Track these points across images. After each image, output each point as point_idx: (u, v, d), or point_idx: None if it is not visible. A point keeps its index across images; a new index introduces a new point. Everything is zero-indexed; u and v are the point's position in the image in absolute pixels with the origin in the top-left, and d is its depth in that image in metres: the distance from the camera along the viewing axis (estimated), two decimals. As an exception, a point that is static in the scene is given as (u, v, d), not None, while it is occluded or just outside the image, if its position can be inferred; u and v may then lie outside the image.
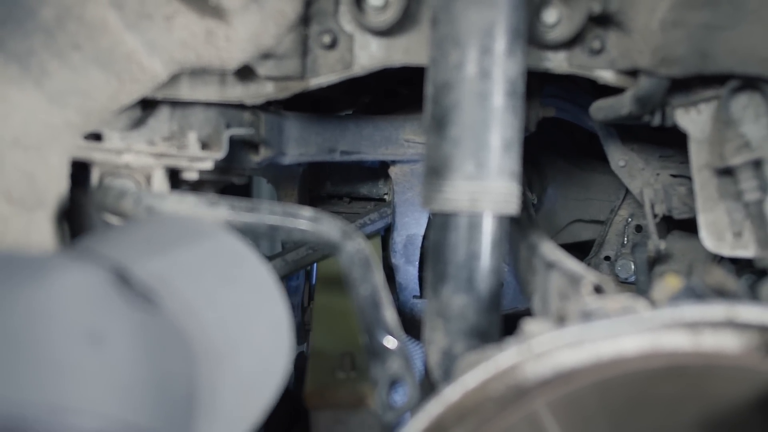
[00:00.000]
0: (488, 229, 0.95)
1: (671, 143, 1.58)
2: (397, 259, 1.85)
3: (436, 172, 0.96)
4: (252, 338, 0.82)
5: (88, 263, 0.69)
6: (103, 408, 0.60)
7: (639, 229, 1.84)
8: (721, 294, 0.76)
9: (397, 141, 1.62)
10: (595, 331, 0.66)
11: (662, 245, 1.52)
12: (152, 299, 0.70)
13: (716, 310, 0.65)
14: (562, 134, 2.06)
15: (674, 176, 1.59)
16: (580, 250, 1.98)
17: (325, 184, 1.98)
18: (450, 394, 0.64)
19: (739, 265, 1.51)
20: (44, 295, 0.62)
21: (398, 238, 1.84)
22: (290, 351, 0.87)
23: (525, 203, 1.43)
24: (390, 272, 1.88)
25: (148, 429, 0.63)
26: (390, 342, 0.96)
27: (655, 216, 1.56)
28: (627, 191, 1.76)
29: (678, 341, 0.66)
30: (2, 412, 0.56)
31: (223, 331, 0.76)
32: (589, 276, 0.89)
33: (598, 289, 0.85)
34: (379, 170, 1.95)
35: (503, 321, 0.97)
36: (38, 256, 0.69)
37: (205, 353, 0.72)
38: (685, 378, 0.65)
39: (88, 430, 0.58)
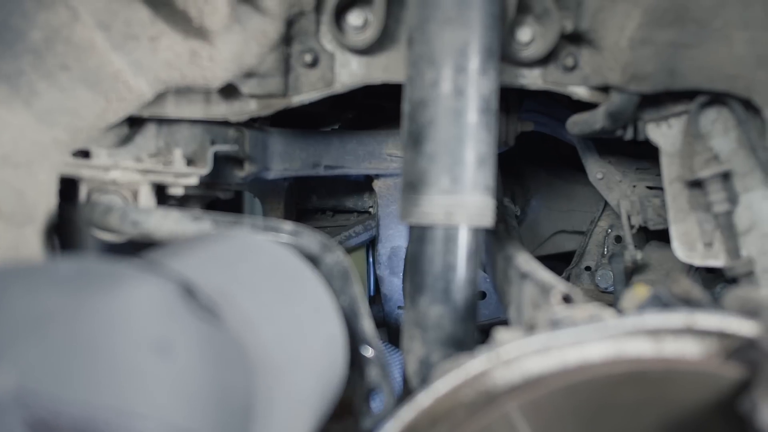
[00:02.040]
0: (464, 241, 0.97)
1: (647, 156, 1.60)
2: (381, 271, 1.86)
3: (413, 186, 0.98)
4: (308, 354, 0.85)
5: (157, 275, 0.71)
6: (168, 415, 0.63)
7: (618, 239, 1.87)
8: (687, 302, 0.78)
9: (380, 155, 1.65)
10: (561, 339, 0.68)
11: (638, 255, 1.55)
12: (215, 312, 0.73)
13: (676, 317, 0.68)
14: (545, 146, 2.09)
15: (650, 188, 1.62)
16: (564, 260, 2.01)
17: (312, 198, 2.00)
18: (422, 400, 0.67)
19: (715, 275, 1.54)
20: (117, 305, 0.65)
21: (383, 250, 1.86)
22: (344, 367, 0.91)
23: (504, 215, 1.45)
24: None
25: None
26: (368, 351, 0.98)
27: (632, 227, 1.59)
28: (606, 203, 1.79)
29: (641, 348, 0.68)
30: (74, 414, 0.58)
31: (280, 346, 0.79)
32: (559, 286, 0.91)
33: (567, 299, 0.87)
34: (364, 184, 1.97)
35: (486, 330, 0.99)
36: (112, 266, 0.71)
37: (262, 367, 0.75)
38: (648, 383, 0.67)
39: None
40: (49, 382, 0.59)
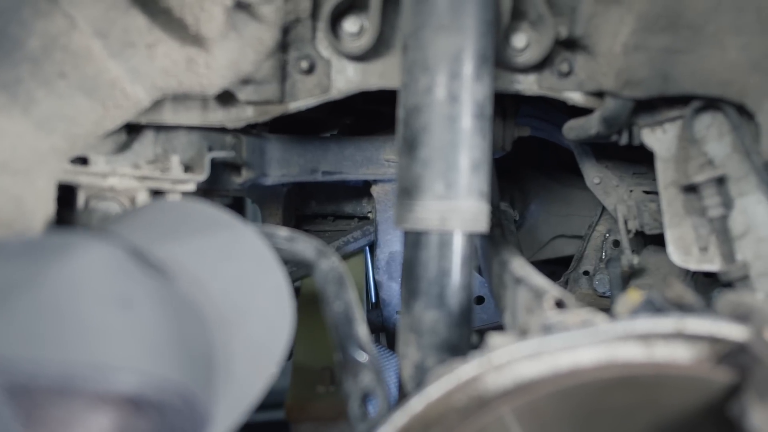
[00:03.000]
0: (458, 246, 0.97)
1: (644, 161, 1.61)
2: (380, 276, 1.87)
3: (407, 192, 0.99)
4: (256, 306, 0.87)
5: (106, 241, 0.75)
6: (140, 364, 0.66)
7: (616, 244, 1.87)
8: (680, 307, 0.78)
9: (377, 161, 1.65)
10: (552, 344, 0.68)
11: (635, 260, 1.55)
12: (165, 273, 0.77)
13: (666, 322, 0.68)
14: (545, 151, 2.10)
15: (647, 192, 1.62)
16: (564, 264, 2.01)
17: (311, 204, 2.00)
18: (414, 405, 0.67)
19: (713, 279, 1.54)
20: (74, 268, 0.69)
21: (381, 255, 1.86)
22: (293, 315, 0.91)
23: (500, 219, 1.46)
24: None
25: (180, 383, 0.69)
26: (362, 356, 0.98)
27: (628, 231, 1.59)
28: (604, 208, 1.79)
29: (632, 352, 0.69)
30: (54, 373, 0.61)
31: (229, 301, 0.82)
32: (552, 291, 0.92)
33: (559, 304, 0.88)
34: (363, 189, 1.97)
35: (484, 335, 0.99)
36: (60, 237, 0.75)
37: (216, 321, 0.78)
38: (639, 387, 0.67)
39: (129, 384, 0.64)
40: (21, 348, 0.62)
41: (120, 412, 0.64)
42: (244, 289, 0.87)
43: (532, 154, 2.06)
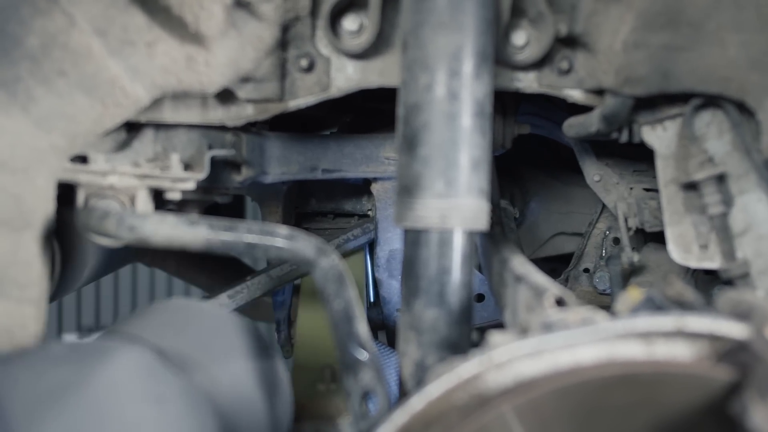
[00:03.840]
0: (458, 244, 0.97)
1: (645, 158, 1.61)
2: (380, 274, 1.86)
3: (407, 190, 0.99)
4: (261, 398, 0.94)
5: (134, 344, 0.83)
6: None
7: (617, 241, 1.87)
8: (680, 304, 0.79)
9: (377, 159, 1.65)
10: (553, 342, 0.68)
11: (635, 257, 1.55)
12: (183, 369, 0.84)
13: (667, 320, 0.68)
14: (544, 149, 2.10)
15: (647, 190, 1.62)
16: (564, 262, 2.01)
17: (310, 202, 2.00)
18: (415, 404, 0.67)
19: (713, 276, 1.54)
20: (113, 372, 0.77)
21: (381, 253, 1.86)
22: (291, 407, 1.02)
23: (500, 217, 1.46)
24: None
25: None
26: (362, 355, 0.99)
27: (629, 229, 1.59)
28: (604, 205, 1.79)
29: (632, 350, 0.69)
30: None
31: (238, 395, 0.90)
32: (552, 289, 0.92)
33: (560, 302, 0.88)
34: (363, 187, 1.97)
35: (484, 333, 1.00)
36: (95, 343, 0.85)
37: (227, 412, 0.85)
38: (639, 385, 0.67)
39: None
40: None
41: None
42: (250, 383, 0.94)
43: (532, 151, 2.06)
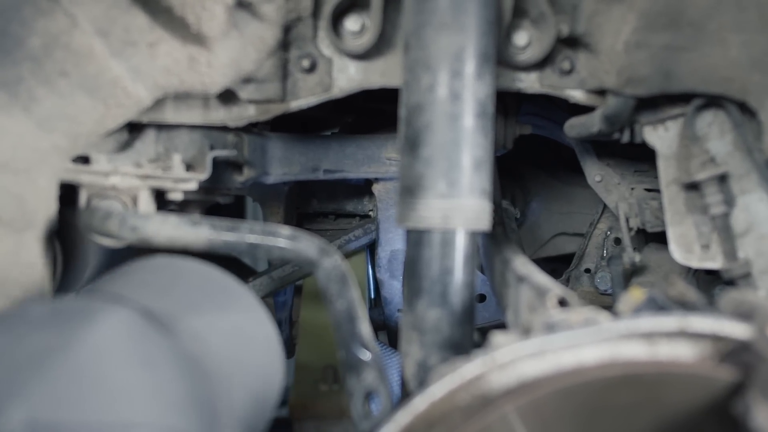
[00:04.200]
0: (461, 245, 0.97)
1: (646, 158, 1.60)
2: (381, 274, 1.86)
3: (409, 190, 0.99)
4: (250, 357, 0.91)
5: (120, 305, 0.79)
6: (162, 420, 0.70)
7: (618, 241, 1.87)
8: (682, 305, 0.78)
9: (379, 159, 1.65)
10: (556, 342, 0.68)
11: (637, 257, 1.55)
12: (169, 329, 0.80)
13: (670, 320, 0.68)
14: (545, 149, 2.09)
15: (648, 190, 1.62)
16: (565, 262, 2.01)
17: (312, 202, 2.00)
18: (418, 404, 0.67)
19: (714, 276, 1.54)
20: (99, 333, 0.73)
21: (383, 254, 1.86)
22: (284, 365, 0.95)
23: (502, 218, 1.46)
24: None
25: None
26: (365, 355, 0.99)
27: (630, 229, 1.59)
28: (605, 205, 1.79)
29: (635, 351, 0.69)
30: None
31: (226, 353, 0.86)
32: (555, 289, 0.92)
33: (562, 302, 0.88)
34: (364, 188, 1.97)
35: (486, 333, 1.00)
36: (79, 303, 0.80)
37: (216, 373, 0.82)
38: (642, 386, 0.67)
39: None
40: (56, 411, 0.66)
41: None
42: (238, 341, 0.90)
43: (533, 151, 2.06)
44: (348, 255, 1.88)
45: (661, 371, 0.67)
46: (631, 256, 1.54)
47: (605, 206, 1.82)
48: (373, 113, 1.89)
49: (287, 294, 1.93)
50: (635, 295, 0.81)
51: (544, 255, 2.11)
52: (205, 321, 0.87)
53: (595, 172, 1.67)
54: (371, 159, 1.65)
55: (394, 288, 1.86)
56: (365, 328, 1.00)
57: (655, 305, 0.79)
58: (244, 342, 0.91)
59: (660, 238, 1.64)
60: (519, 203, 2.11)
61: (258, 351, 0.92)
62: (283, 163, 1.53)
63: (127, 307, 0.78)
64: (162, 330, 0.79)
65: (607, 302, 1.80)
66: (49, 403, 0.66)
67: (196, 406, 0.75)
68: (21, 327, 0.75)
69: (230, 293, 0.97)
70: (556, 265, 2.09)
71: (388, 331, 1.92)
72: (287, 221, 1.87)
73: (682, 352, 0.69)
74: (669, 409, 0.68)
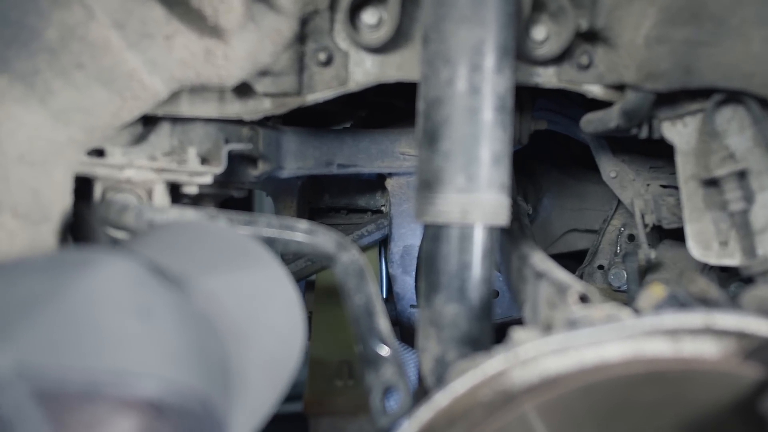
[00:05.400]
0: (479, 240, 0.97)
1: (661, 154, 1.60)
2: (394, 270, 1.86)
3: (428, 185, 0.98)
4: (269, 319, 0.89)
5: (124, 256, 0.77)
6: (160, 371, 0.68)
7: (631, 238, 1.87)
8: (704, 302, 0.78)
9: (393, 154, 1.64)
10: (579, 339, 0.68)
11: (652, 254, 1.54)
12: (180, 286, 0.78)
13: (695, 317, 0.67)
14: (557, 145, 2.09)
15: (664, 186, 1.61)
16: (576, 259, 2.00)
17: (324, 197, 2.00)
18: (440, 400, 0.67)
19: (729, 273, 1.53)
20: (95, 281, 0.71)
21: (395, 249, 1.86)
22: (304, 329, 0.93)
23: (518, 213, 1.45)
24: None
25: (200, 390, 0.71)
26: (383, 350, 0.98)
27: (645, 226, 1.59)
28: (619, 202, 1.78)
29: (659, 348, 0.68)
30: (79, 379, 0.64)
31: (242, 314, 0.84)
32: (575, 286, 0.91)
33: (584, 299, 0.87)
34: (376, 182, 1.97)
35: (498, 329, 0.99)
36: (80, 253, 0.77)
37: (230, 334, 0.80)
38: (666, 383, 0.67)
39: (150, 389, 0.67)
40: (46, 355, 0.65)
41: (143, 417, 0.66)
42: (256, 303, 0.89)
43: (544, 147, 2.05)
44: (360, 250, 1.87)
45: (685, 368, 0.67)
46: (646, 252, 1.54)
47: (619, 203, 1.81)
48: (384, 108, 1.89)
49: (300, 289, 1.93)
50: (656, 291, 0.81)
51: (555, 252, 2.11)
52: (222, 281, 0.85)
53: (610, 168, 1.66)
54: (385, 154, 1.64)
55: (406, 284, 1.86)
56: (384, 323, 0.99)
57: (677, 302, 0.78)
58: (262, 304, 0.89)
59: (674, 235, 1.64)
60: (531, 199, 2.10)
61: (278, 313, 0.91)
62: (298, 158, 1.53)
63: (129, 258, 0.77)
64: (168, 284, 0.77)
65: (620, 299, 1.79)
66: (38, 346, 0.65)
67: (202, 362, 0.74)
68: (15, 272, 0.73)
69: (250, 254, 0.95)
70: (566, 262, 2.08)
71: (400, 327, 1.92)
72: (299, 216, 1.87)
73: (707, 349, 0.68)
74: (693, 407, 0.67)
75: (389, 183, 1.83)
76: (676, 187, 1.54)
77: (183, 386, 0.69)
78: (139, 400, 0.66)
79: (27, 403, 0.63)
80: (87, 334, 0.68)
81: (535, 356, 0.68)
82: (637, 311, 0.77)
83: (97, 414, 0.65)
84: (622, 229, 1.88)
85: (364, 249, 1.91)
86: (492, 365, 0.67)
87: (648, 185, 1.63)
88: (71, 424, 0.64)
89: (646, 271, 1.63)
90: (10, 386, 0.63)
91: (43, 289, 0.70)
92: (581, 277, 1.91)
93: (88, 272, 0.72)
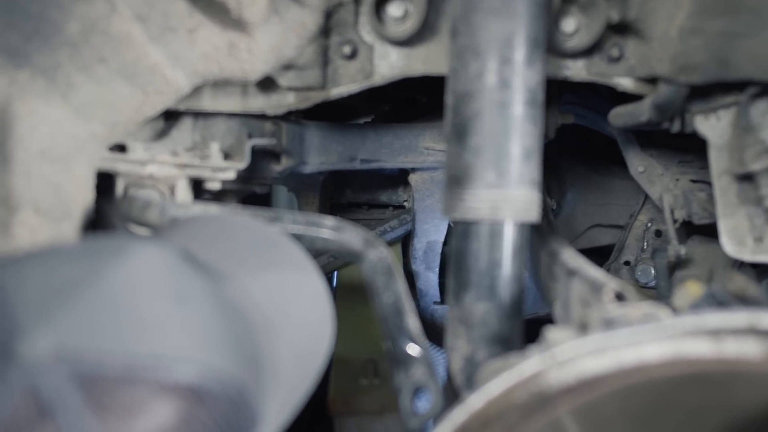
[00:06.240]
0: (509, 236, 0.95)
1: (690, 149, 1.58)
2: (417, 266, 1.85)
3: (457, 180, 0.96)
4: (298, 312, 0.89)
5: (159, 243, 0.78)
6: (198, 355, 0.69)
7: (659, 234, 1.84)
8: (743, 300, 0.76)
9: (416, 149, 1.63)
10: (617, 339, 0.66)
11: (682, 250, 1.52)
12: (212, 276, 0.79)
13: (738, 317, 0.65)
14: (581, 140, 2.07)
15: (694, 181, 1.59)
16: (599, 254, 1.98)
17: (346, 192, 1.99)
18: (474, 402, 0.65)
19: (760, 270, 1.51)
20: (131, 267, 0.73)
21: (418, 245, 1.85)
22: (333, 322, 0.93)
23: (545, 210, 1.43)
24: (411, 279, 1.89)
25: (236, 376, 0.71)
26: (413, 349, 0.96)
27: (675, 221, 1.56)
28: (646, 196, 1.76)
29: (700, 348, 0.66)
30: (117, 363, 0.66)
31: (272, 307, 0.85)
32: (610, 283, 0.89)
33: (619, 297, 0.85)
34: (399, 178, 1.96)
35: (524, 326, 0.98)
36: (115, 240, 0.79)
37: (260, 325, 0.81)
38: (708, 385, 0.65)
39: (188, 374, 0.68)
40: (85, 339, 0.66)
41: (181, 401, 0.67)
42: (285, 295, 0.89)
43: (567, 141, 2.03)
44: (384, 246, 1.86)
45: (728, 370, 0.65)
46: (676, 248, 1.51)
47: (646, 197, 1.79)
48: (406, 102, 1.87)
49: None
50: (693, 289, 0.79)
51: (579, 247, 2.08)
52: (253, 276, 0.86)
53: (638, 162, 1.64)
54: (408, 148, 1.63)
55: (429, 280, 1.84)
56: (413, 321, 0.97)
57: (714, 300, 0.77)
58: (292, 299, 0.90)
59: (703, 231, 1.61)
60: (555, 194, 2.08)
61: (307, 308, 0.91)
62: (321, 152, 1.51)
63: (164, 246, 0.78)
64: (202, 272, 0.78)
65: (648, 295, 1.77)
66: (77, 330, 0.67)
67: (237, 349, 0.74)
68: (53, 258, 0.75)
69: (280, 249, 0.95)
70: (590, 257, 2.06)
71: (423, 325, 1.90)
72: (321, 211, 1.86)
73: (750, 350, 0.66)
74: (737, 410, 0.65)
75: (413, 178, 1.81)
76: (706, 182, 1.51)
77: (221, 372, 0.70)
78: (178, 384, 0.67)
79: (67, 387, 0.64)
80: (125, 318, 0.69)
81: (572, 357, 0.66)
82: (673, 310, 0.75)
83: (136, 398, 0.66)
84: (649, 224, 1.85)
85: (388, 245, 1.90)
86: (528, 366, 0.66)
87: (677, 180, 1.60)
88: (111, 408, 0.65)
89: (675, 267, 1.60)
90: (50, 370, 0.64)
91: (80, 275, 0.71)
92: (607, 273, 1.88)
93: (124, 258, 0.73)
